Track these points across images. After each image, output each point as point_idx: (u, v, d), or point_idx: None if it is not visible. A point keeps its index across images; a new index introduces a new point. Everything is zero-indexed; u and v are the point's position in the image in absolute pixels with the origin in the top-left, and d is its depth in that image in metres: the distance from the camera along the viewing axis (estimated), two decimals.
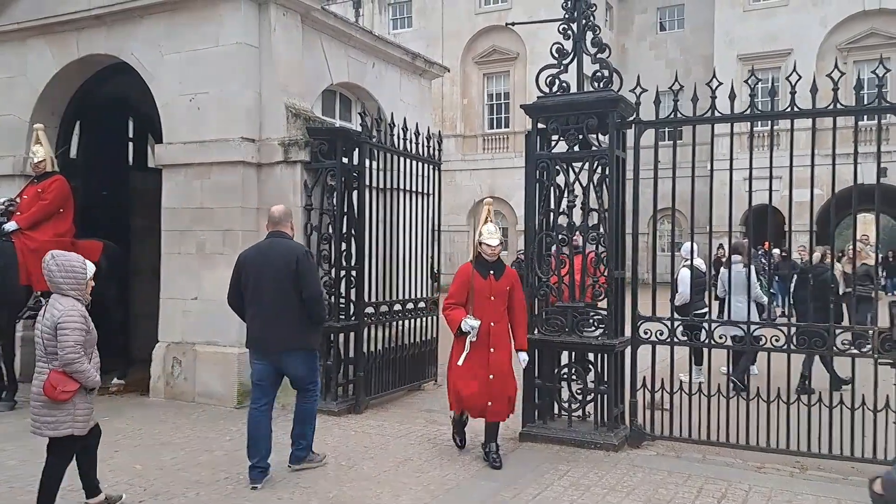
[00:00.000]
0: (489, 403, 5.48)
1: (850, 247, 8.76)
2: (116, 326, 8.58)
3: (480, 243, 5.63)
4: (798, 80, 5.50)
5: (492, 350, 5.48)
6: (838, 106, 5.51)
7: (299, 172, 7.36)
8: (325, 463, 5.53)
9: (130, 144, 10.59)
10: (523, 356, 5.80)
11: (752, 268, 7.89)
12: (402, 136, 7.78)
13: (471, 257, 5.74)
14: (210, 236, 7.57)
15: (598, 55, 6.25)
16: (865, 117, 5.90)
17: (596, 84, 6.26)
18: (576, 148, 6.29)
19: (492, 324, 5.49)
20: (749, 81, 5.72)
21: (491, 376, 5.45)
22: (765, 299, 8.41)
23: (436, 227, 8.56)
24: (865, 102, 5.73)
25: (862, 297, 8.39)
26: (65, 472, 4.32)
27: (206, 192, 7.60)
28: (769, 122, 6.02)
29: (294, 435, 5.41)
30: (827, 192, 5.43)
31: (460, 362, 5.48)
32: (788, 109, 5.65)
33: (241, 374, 7.37)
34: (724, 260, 10.05)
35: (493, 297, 5.54)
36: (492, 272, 5.60)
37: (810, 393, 6.09)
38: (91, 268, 4.38)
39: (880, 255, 10.76)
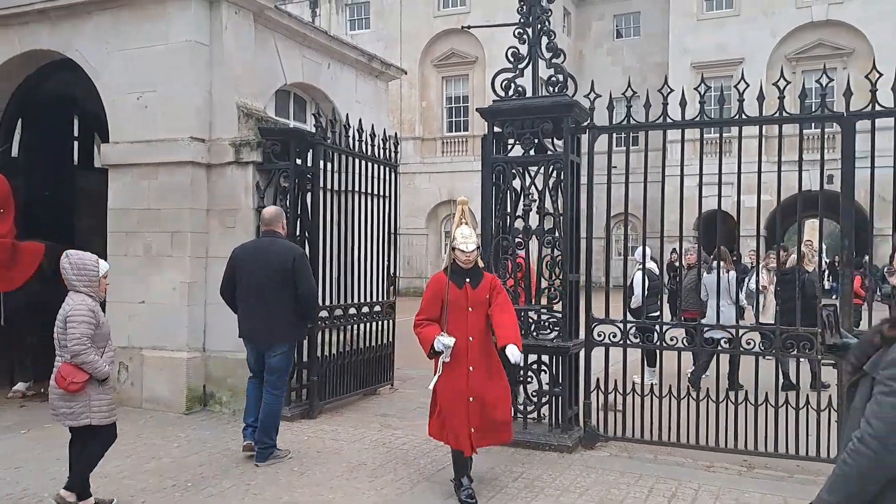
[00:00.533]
0: (472, 430, 4.79)
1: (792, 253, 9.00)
2: None
3: (454, 249, 4.90)
4: (746, 88, 5.62)
5: (471, 369, 4.79)
6: (784, 114, 5.65)
7: (251, 173, 7.23)
8: (290, 456, 5.77)
9: (76, 143, 10.28)
10: (511, 350, 4.70)
11: (733, 273, 8.15)
12: (357, 137, 7.71)
13: (444, 265, 5.01)
14: (158, 238, 7.38)
15: (553, 60, 6.30)
16: (813, 125, 6.04)
17: (551, 89, 6.30)
18: (531, 152, 6.32)
19: (470, 339, 4.82)
20: (699, 89, 5.82)
21: (471, 399, 4.76)
22: (745, 303, 8.65)
23: (393, 231, 8.51)
24: (811, 111, 5.88)
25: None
26: (100, 458, 4.61)
27: (154, 192, 7.42)
28: (719, 128, 6.14)
29: (258, 436, 5.65)
30: (776, 199, 5.61)
31: (430, 386, 4.90)
32: (736, 117, 5.78)
33: (189, 379, 7.22)
34: (676, 264, 10.21)
35: (470, 309, 4.86)
36: (468, 281, 4.90)
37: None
38: (104, 266, 4.68)
39: (826, 261, 11.10)
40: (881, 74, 5.27)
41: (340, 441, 6.33)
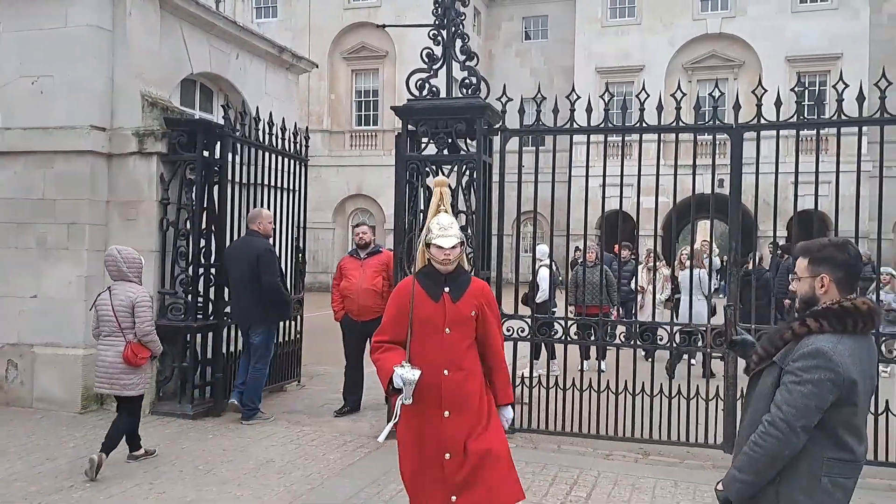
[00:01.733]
0: (452, 498, 3.41)
1: (682, 252, 9.57)
2: None
3: (428, 245, 3.51)
4: (647, 98, 5.96)
5: (446, 415, 3.44)
6: (680, 123, 6.04)
7: (155, 165, 6.98)
8: (274, 419, 6.82)
9: None
10: (508, 413, 3.72)
11: (703, 271, 8.60)
12: (267, 130, 7.59)
13: (415, 267, 3.67)
14: (53, 230, 7.02)
15: (467, 62, 6.43)
16: (706, 134, 6.47)
17: (464, 90, 6.43)
18: (445, 151, 6.44)
19: (445, 372, 3.45)
20: (604, 97, 6.12)
21: (447, 455, 3.42)
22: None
23: (302, 225, 8.43)
24: (705, 120, 6.29)
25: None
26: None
27: (50, 182, 7.04)
28: (621, 134, 6.47)
29: (244, 399, 6.74)
30: (673, 200, 6.04)
31: (380, 438, 3.55)
32: (637, 125, 6.11)
33: (86, 377, 6.89)
34: (580, 262, 10.61)
35: (448, 330, 3.49)
36: (447, 290, 3.52)
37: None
38: (142, 258, 5.45)
39: (720, 260, 11.85)
40: (766, 90, 5.75)
41: (247, 438, 6.24)
